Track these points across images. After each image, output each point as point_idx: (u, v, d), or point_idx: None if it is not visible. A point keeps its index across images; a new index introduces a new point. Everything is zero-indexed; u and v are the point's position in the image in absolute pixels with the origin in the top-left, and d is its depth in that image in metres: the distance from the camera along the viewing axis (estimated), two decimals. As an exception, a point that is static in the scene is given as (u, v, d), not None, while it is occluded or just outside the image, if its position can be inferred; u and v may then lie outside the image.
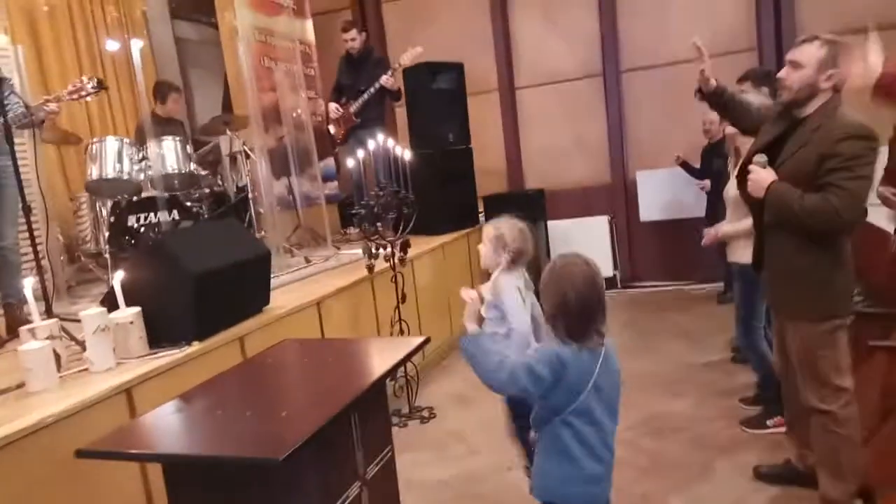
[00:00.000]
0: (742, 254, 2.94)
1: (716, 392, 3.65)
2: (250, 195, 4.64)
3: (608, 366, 1.76)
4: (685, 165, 5.46)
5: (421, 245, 4.63)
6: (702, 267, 5.76)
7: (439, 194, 5.25)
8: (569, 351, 1.71)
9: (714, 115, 5.23)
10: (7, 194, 3.19)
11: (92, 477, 2.01)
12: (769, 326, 3.13)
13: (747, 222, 2.76)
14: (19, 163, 2.73)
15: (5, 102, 2.81)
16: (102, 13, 5.58)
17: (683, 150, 5.53)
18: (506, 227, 2.35)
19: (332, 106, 5.50)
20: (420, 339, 1.95)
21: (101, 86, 3.28)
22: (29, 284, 2.29)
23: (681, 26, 5.70)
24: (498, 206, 5.80)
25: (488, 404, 3.76)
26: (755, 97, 2.83)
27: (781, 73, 2.30)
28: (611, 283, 6.07)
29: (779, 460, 2.75)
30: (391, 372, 1.71)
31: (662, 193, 5.94)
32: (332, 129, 5.59)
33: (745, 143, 2.82)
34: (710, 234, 3.21)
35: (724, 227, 3.12)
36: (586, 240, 5.94)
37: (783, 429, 2.87)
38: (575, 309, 1.70)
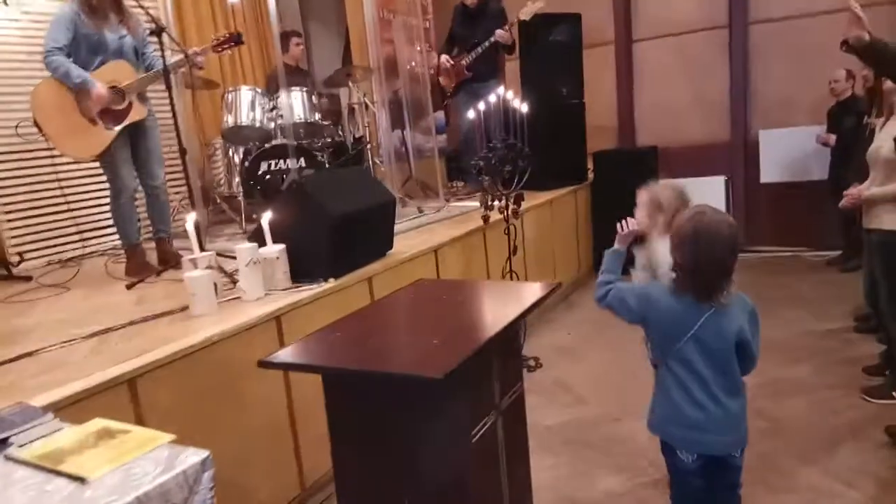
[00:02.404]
0: (886, 220, 2.77)
1: (836, 360, 3.53)
2: (367, 146, 4.82)
3: (720, 324, 1.77)
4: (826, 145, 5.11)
5: (530, 200, 4.63)
6: (821, 233, 5.49)
7: (549, 149, 5.21)
8: (662, 295, 1.78)
9: (840, 73, 4.90)
10: (155, 136, 3.50)
11: (249, 390, 2.27)
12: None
13: None
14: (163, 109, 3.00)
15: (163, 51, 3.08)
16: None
17: (812, 110, 5.22)
18: (661, 189, 2.27)
19: (444, 57, 5.46)
20: (551, 285, 2.03)
21: (239, 40, 3.51)
22: (191, 219, 2.53)
23: (819, -27, 5.31)
24: (608, 163, 5.74)
25: (594, 357, 3.84)
26: None
27: None
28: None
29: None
30: (528, 312, 1.81)
31: (786, 154, 5.66)
32: (442, 80, 5.60)
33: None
34: (853, 193, 2.92)
35: (874, 190, 2.84)
36: (701, 200, 5.68)
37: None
38: (708, 271, 1.73)
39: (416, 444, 1.59)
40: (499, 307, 1.90)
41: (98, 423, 1.46)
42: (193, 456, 1.28)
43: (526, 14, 5.09)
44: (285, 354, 1.66)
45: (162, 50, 2.97)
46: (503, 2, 5.49)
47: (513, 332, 1.93)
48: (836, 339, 3.84)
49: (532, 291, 1.97)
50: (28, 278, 3.61)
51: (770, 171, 5.77)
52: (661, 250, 2.30)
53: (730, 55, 5.85)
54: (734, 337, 1.82)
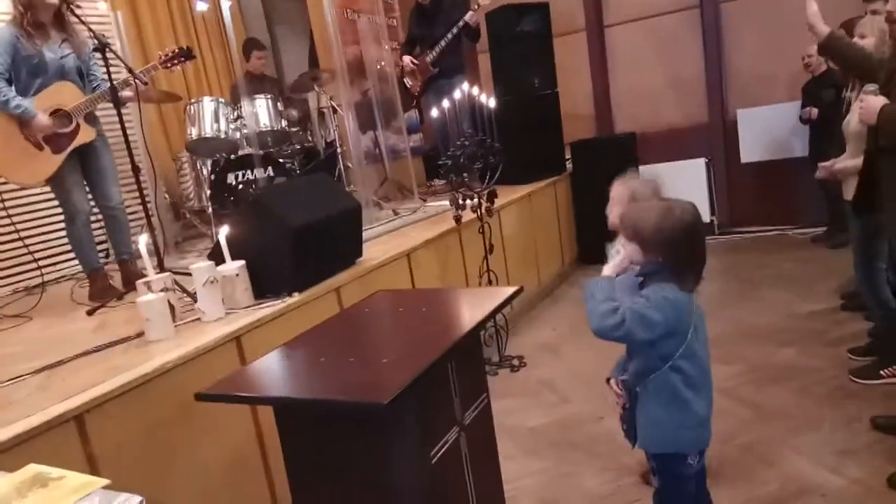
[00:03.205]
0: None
1: (823, 342, 3.46)
2: (339, 150, 4.72)
3: (699, 304, 1.78)
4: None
5: (507, 195, 4.58)
6: (806, 210, 5.44)
7: (525, 142, 5.14)
8: (677, 294, 1.69)
9: (813, 48, 4.82)
10: (107, 156, 3.39)
11: (209, 417, 2.17)
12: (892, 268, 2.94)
13: None
14: (126, 125, 2.89)
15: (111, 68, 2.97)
16: (193, -25, 5.72)
17: (789, 86, 5.14)
18: (636, 183, 2.20)
19: (406, 59, 5.40)
20: (513, 289, 1.94)
21: (189, 54, 3.40)
22: (143, 241, 2.44)
23: (788, -53, 5.23)
24: (586, 152, 5.66)
25: (578, 354, 3.76)
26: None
27: (891, 6, 2.19)
28: (708, 229, 5.81)
29: (893, 411, 2.60)
30: (487, 320, 1.72)
31: (766, 132, 5.58)
32: (407, 82, 5.52)
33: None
34: (826, 166, 2.98)
35: (847, 162, 2.87)
36: (682, 184, 5.61)
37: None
38: (698, 258, 1.72)
39: (372, 470, 1.51)
40: (457, 317, 1.81)
41: (31, 470, 1.37)
42: (126, 502, 1.20)
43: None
44: (227, 384, 1.57)
45: (107, 67, 2.86)
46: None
47: (473, 342, 1.84)
48: (823, 319, 3.76)
49: (492, 298, 1.88)
50: (-10, 309, 3.51)
51: (750, 151, 5.69)
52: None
53: (703, 35, 5.77)
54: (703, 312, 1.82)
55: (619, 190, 2.16)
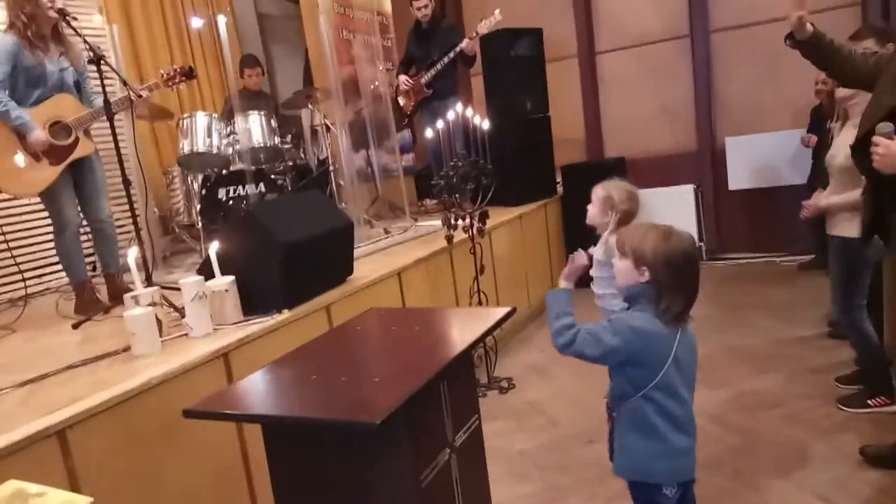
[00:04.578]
0: (846, 227, 2.75)
1: (810, 369, 3.47)
2: (331, 168, 4.72)
3: (686, 338, 1.74)
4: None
5: (498, 216, 4.59)
6: (794, 239, 5.47)
7: (516, 164, 5.19)
8: (651, 324, 1.67)
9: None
10: (100, 169, 3.38)
11: (194, 434, 2.13)
12: (871, 304, 2.93)
13: (855, 194, 2.56)
14: (118, 138, 2.88)
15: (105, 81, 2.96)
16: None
17: (777, 115, 5.21)
18: (614, 188, 2.40)
19: (402, 78, 5.45)
20: (505, 310, 1.93)
21: (191, 74, 3.43)
22: (132, 254, 2.41)
23: (777, -19, 5.34)
24: (576, 176, 5.70)
25: (567, 377, 3.75)
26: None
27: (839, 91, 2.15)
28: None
29: (881, 441, 2.60)
30: (479, 341, 1.71)
31: (754, 160, 5.64)
32: (401, 101, 5.55)
33: (857, 106, 2.61)
34: (811, 206, 2.99)
35: (832, 199, 2.86)
36: (671, 210, 5.66)
37: (888, 408, 2.71)
38: (688, 287, 1.70)
39: (361, 491, 1.48)
40: (449, 338, 1.80)
41: (11, 486, 1.34)
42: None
43: (484, 28, 5.07)
44: (217, 401, 1.55)
45: (101, 79, 2.85)
46: (463, 15, 5.46)
47: (465, 363, 1.83)
48: (810, 346, 3.78)
49: (485, 319, 1.87)
50: (-28, 321, 3.45)
51: (738, 178, 5.76)
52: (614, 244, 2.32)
53: (693, 65, 5.86)
54: (695, 347, 1.80)
55: (597, 191, 2.45)
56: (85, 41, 2.90)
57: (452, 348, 1.64)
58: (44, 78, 3.12)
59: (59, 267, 3.58)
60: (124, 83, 2.97)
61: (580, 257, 1.85)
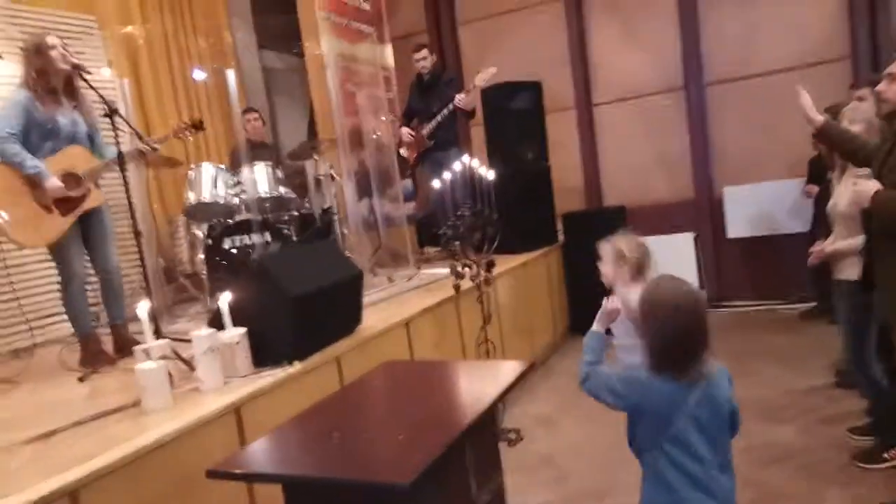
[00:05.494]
0: (853, 272, 2.79)
1: (821, 419, 3.45)
2: (335, 217, 4.75)
3: (712, 397, 1.67)
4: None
5: (502, 264, 4.60)
6: (794, 286, 5.50)
7: (517, 213, 5.22)
8: (651, 378, 1.65)
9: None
10: (109, 220, 3.40)
11: (207, 493, 2.08)
12: (879, 350, 2.95)
13: (859, 239, 2.63)
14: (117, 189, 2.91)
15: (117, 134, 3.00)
16: (196, 44, 5.88)
17: (773, 165, 5.30)
18: (620, 240, 2.34)
19: (404, 130, 5.57)
20: (523, 365, 1.93)
21: (201, 126, 3.50)
22: (144, 307, 2.39)
23: (769, 35, 5.51)
24: (577, 224, 5.75)
25: (576, 427, 3.70)
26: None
27: (881, 87, 2.34)
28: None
29: (898, 495, 2.57)
30: (501, 397, 1.70)
31: (752, 208, 5.72)
32: (403, 152, 5.66)
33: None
34: (817, 251, 3.04)
35: (838, 244, 2.93)
36: (671, 258, 5.73)
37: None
38: (672, 341, 1.62)
39: (385, 553, 1.44)
40: (472, 392, 1.78)
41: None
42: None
43: (481, 80, 5.19)
44: (240, 460, 1.52)
45: (115, 131, 2.89)
46: (463, 68, 5.58)
47: (488, 419, 1.81)
48: (819, 395, 3.76)
49: (506, 372, 1.86)
50: (-26, 373, 3.40)
51: (737, 227, 5.82)
52: (633, 298, 2.28)
53: (688, 116, 5.99)
54: (727, 407, 1.73)
55: (605, 248, 2.36)
56: (100, 95, 2.95)
57: (476, 405, 1.62)
58: (56, 131, 3.16)
59: (63, 317, 3.56)
60: (139, 137, 3.00)
61: (611, 303, 1.86)
